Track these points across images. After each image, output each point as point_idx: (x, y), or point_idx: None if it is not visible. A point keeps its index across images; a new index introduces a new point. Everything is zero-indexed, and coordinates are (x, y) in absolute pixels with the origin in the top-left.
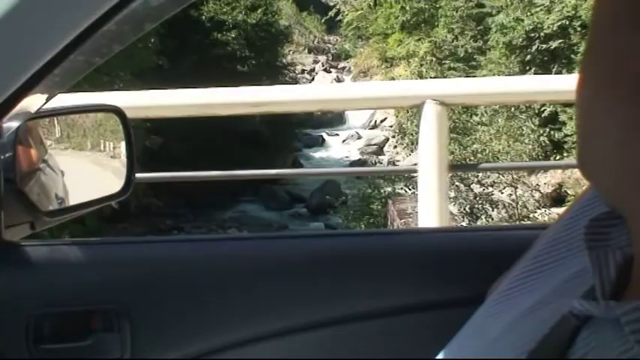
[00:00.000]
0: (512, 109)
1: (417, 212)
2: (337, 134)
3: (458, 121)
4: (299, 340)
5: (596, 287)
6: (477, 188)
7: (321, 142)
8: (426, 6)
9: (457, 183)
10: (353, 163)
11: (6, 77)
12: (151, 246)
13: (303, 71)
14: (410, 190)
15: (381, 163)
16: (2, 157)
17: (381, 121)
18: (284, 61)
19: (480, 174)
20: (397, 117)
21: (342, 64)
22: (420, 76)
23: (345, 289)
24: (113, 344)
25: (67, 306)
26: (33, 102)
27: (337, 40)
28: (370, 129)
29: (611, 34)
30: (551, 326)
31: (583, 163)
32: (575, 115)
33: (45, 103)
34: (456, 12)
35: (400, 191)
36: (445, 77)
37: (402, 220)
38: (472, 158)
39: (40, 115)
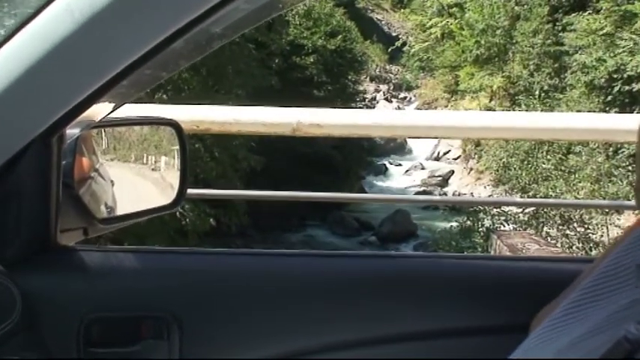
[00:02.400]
0: (611, 147)
1: (528, 248)
2: (400, 164)
3: (562, 158)
4: (341, 357)
5: None
6: (578, 228)
7: (384, 171)
8: (501, 41)
9: (559, 222)
10: (417, 195)
11: (76, 86)
12: (203, 257)
13: (364, 99)
14: (507, 225)
15: (446, 195)
16: (63, 162)
17: (445, 154)
18: (358, 88)
19: (579, 213)
20: (465, 150)
21: (402, 94)
22: (490, 110)
23: (388, 310)
24: (162, 351)
25: (118, 311)
26: (95, 111)
27: (398, 70)
28: (433, 160)
29: None
30: (603, 352)
31: None
32: (636, 155)
33: (109, 113)
34: (533, 48)
35: (499, 226)
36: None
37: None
38: (578, 196)
39: (102, 124)
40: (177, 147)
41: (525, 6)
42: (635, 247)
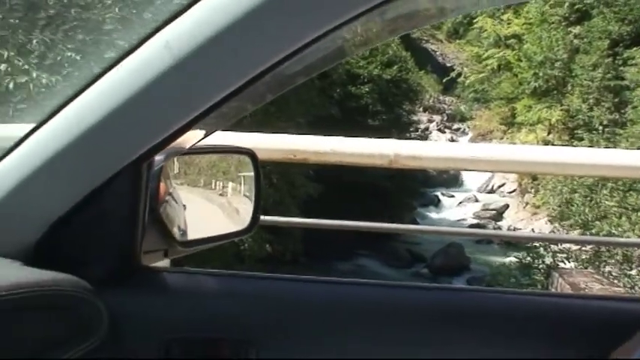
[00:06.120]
0: None
1: (591, 287)
2: (453, 195)
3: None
4: None
5: None
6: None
7: (436, 203)
8: (560, 74)
9: (621, 260)
10: (471, 227)
11: (171, 116)
12: (282, 284)
13: (417, 129)
14: (568, 262)
15: (500, 229)
16: (150, 186)
17: (499, 187)
18: (412, 118)
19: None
20: (521, 183)
21: (456, 126)
22: (547, 144)
23: (451, 344)
24: None
25: (198, 333)
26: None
27: (452, 101)
28: (487, 193)
29: None
30: None
31: None
32: None
33: (198, 141)
34: (592, 82)
35: (560, 263)
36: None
37: None
38: None
39: (187, 152)
40: (253, 175)
41: (585, 39)
42: None
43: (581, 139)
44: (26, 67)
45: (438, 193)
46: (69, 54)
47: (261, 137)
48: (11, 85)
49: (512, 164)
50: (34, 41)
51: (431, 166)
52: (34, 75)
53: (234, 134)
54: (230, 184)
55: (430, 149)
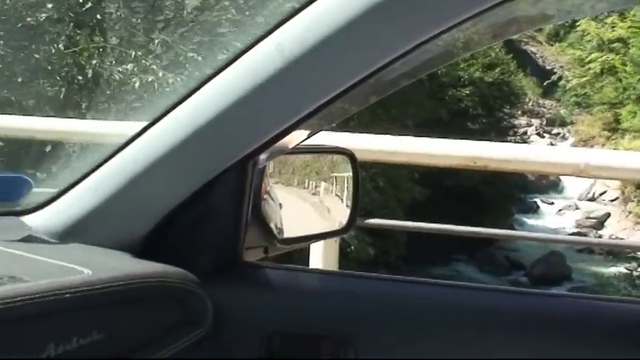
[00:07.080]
0: None
1: None
2: (552, 202)
3: None
4: None
5: None
6: None
7: (535, 209)
8: None
9: None
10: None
11: (281, 116)
12: (382, 283)
13: (515, 133)
14: None
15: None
16: (254, 184)
17: (600, 194)
18: (513, 122)
19: None
20: (624, 192)
21: (555, 130)
22: None
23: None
24: None
25: (298, 328)
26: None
27: (552, 104)
28: (588, 201)
29: None
30: None
31: None
32: None
33: (302, 141)
34: None
35: None
36: None
37: None
38: None
39: (290, 151)
40: (346, 175)
41: None
42: None
43: None
44: (154, 67)
45: (537, 200)
46: (191, 54)
47: (442, 143)
48: (137, 84)
49: None
50: (156, 41)
51: (622, 177)
52: (160, 74)
53: (418, 140)
54: (323, 183)
55: (622, 159)
